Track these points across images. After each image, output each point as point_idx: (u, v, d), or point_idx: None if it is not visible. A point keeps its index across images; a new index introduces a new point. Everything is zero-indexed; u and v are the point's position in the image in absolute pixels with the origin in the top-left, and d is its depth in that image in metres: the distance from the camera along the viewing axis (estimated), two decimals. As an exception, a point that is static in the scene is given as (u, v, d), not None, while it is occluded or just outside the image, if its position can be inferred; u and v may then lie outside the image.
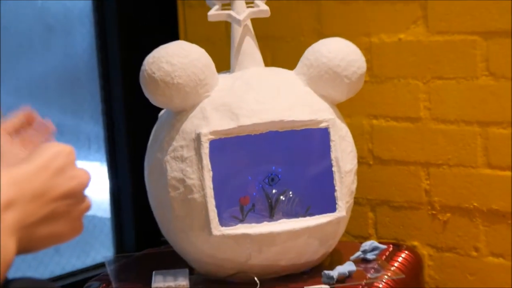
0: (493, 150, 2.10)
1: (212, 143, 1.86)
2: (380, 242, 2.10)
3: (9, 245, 0.86)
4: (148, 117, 2.12)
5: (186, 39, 2.52)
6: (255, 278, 1.88)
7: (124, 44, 2.62)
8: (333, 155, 1.91)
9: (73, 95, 2.75)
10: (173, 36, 2.57)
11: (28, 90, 2.70)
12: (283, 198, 1.96)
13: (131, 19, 2.63)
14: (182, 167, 1.88)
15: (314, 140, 1.97)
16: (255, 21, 2.05)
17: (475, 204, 2.14)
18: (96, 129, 2.69)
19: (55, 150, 0.96)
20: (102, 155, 2.71)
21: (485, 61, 2.09)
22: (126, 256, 2.35)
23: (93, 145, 2.73)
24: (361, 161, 2.12)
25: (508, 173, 2.09)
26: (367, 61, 2.04)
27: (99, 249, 2.64)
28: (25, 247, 0.90)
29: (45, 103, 2.75)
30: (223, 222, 1.88)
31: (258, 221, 1.91)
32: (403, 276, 1.95)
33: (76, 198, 0.97)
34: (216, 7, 2.03)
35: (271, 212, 1.95)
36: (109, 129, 2.67)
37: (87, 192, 1.01)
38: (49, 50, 2.73)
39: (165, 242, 2.07)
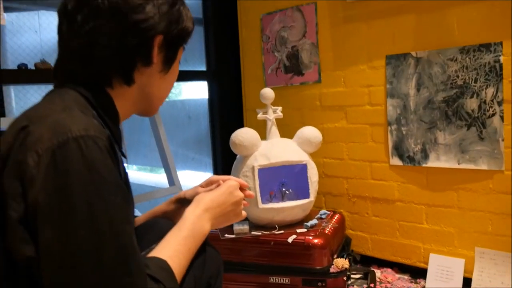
0: (375, 173, 2.10)
1: (259, 170, 1.89)
2: (327, 210, 2.14)
3: (207, 227, 0.94)
4: (231, 157, 2.10)
5: (247, 125, 2.56)
6: (276, 226, 1.91)
7: (222, 126, 2.63)
8: (308, 174, 1.95)
9: (199, 147, 2.74)
10: (241, 124, 2.59)
11: (182, 145, 2.79)
12: (288, 192, 1.96)
13: (224, 115, 2.64)
14: (246, 179, 1.90)
15: (300, 169, 1.96)
16: (277, 119, 2.07)
17: (367, 194, 2.15)
18: (209, 160, 2.68)
19: (229, 184, 1.02)
20: (211, 171, 2.70)
21: (370, 135, 2.10)
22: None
23: (207, 167, 2.71)
24: (319, 176, 2.09)
25: (383, 182, 2.09)
26: (322, 135, 2.05)
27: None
28: (212, 227, 0.97)
29: (188, 150, 2.83)
30: (263, 202, 1.89)
31: (277, 202, 1.92)
32: (337, 225, 1.98)
33: (237, 204, 1.02)
34: (261, 113, 2.05)
35: (283, 198, 1.94)
36: (214, 160, 2.66)
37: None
38: (189, 128, 2.80)
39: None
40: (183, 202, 1.17)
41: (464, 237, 1.87)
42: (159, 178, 3.19)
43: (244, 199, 1.07)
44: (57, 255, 0.67)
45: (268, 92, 2.03)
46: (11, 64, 1.96)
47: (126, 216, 0.74)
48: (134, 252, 0.73)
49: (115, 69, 0.85)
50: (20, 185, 0.69)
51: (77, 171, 0.68)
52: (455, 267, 1.86)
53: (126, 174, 0.85)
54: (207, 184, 1.14)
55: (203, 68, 2.63)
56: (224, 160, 2.61)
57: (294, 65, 2.36)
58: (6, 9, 1.74)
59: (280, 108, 2.09)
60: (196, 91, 2.86)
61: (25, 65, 1.79)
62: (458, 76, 1.83)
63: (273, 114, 2.06)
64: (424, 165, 1.95)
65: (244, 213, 1.07)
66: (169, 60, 0.93)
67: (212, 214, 0.98)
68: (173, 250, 0.86)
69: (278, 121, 2.09)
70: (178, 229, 0.91)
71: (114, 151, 0.76)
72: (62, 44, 0.87)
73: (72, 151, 0.68)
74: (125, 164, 0.89)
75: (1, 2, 1.66)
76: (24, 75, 1.78)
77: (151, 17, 0.85)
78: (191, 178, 2.88)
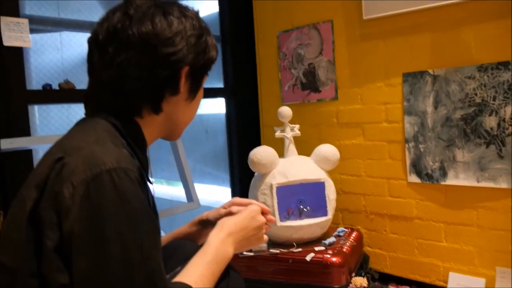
0: (393, 190, 2.10)
1: (277, 188, 1.91)
2: (344, 227, 2.15)
3: (230, 251, 0.95)
4: (248, 173, 2.11)
5: (264, 141, 2.59)
6: (294, 243, 1.92)
7: (239, 142, 2.63)
8: (326, 192, 1.96)
9: (217, 162, 2.76)
10: (258, 140, 2.61)
11: (200, 160, 2.81)
12: (305, 210, 1.96)
13: (241, 131, 2.64)
14: (265, 197, 1.93)
15: (318, 187, 1.97)
16: (295, 137, 2.09)
17: (385, 211, 2.15)
18: (226, 176, 2.69)
19: (251, 209, 1.04)
20: (229, 186, 2.70)
21: (388, 152, 2.11)
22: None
23: (225, 181, 2.72)
24: (336, 192, 2.09)
25: (399, 199, 2.09)
26: (340, 152, 2.05)
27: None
28: (235, 251, 0.97)
29: (205, 165, 2.85)
30: (281, 219, 1.90)
31: (295, 219, 1.92)
32: (355, 243, 1.98)
33: (259, 228, 1.04)
34: (279, 131, 2.08)
35: (300, 216, 1.95)
36: (232, 176, 2.67)
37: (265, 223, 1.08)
38: (206, 142, 2.82)
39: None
40: (205, 223, 1.20)
41: (484, 256, 1.86)
42: (175, 191, 3.21)
43: (265, 223, 1.08)
44: (90, 284, 0.70)
45: (285, 111, 2.05)
46: (35, 83, 2.01)
47: (155, 243, 0.77)
48: (161, 277, 0.76)
49: (145, 100, 0.88)
50: (55, 215, 0.72)
51: (110, 202, 0.71)
52: (475, 286, 1.85)
53: (153, 200, 0.88)
54: (229, 206, 1.16)
55: (221, 85, 2.66)
56: (241, 176, 2.61)
57: (310, 82, 2.38)
58: (31, 31, 1.79)
59: (297, 126, 2.10)
60: (213, 106, 2.88)
61: (50, 85, 1.84)
62: (476, 94, 1.83)
63: (291, 132, 2.07)
64: (442, 182, 1.94)
65: (266, 237, 1.08)
66: (194, 88, 0.96)
67: (235, 238, 0.99)
68: (198, 274, 0.87)
69: (295, 137, 2.11)
70: (202, 253, 0.92)
71: (144, 181, 0.79)
72: (93, 74, 0.90)
73: (105, 183, 0.71)
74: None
75: (28, 25, 1.71)
76: (49, 95, 1.83)
77: (180, 50, 0.87)
78: (209, 192, 2.89)
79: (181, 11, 0.91)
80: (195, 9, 0.97)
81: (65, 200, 0.71)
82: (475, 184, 1.85)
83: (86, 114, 0.93)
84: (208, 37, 0.95)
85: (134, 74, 0.85)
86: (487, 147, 1.82)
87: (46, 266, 0.72)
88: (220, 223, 1.01)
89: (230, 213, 1.12)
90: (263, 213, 1.09)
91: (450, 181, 1.92)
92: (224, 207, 1.17)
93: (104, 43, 0.87)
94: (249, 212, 1.05)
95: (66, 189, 0.71)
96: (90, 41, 0.91)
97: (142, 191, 0.76)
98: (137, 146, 0.89)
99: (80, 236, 0.70)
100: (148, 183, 0.90)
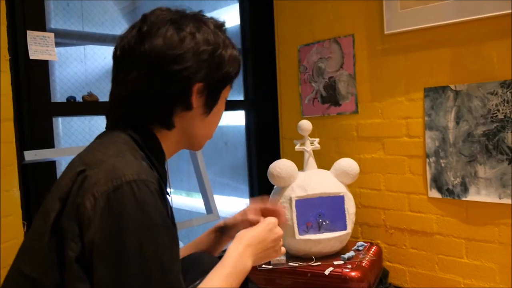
0: (413, 204, 2.09)
1: (297, 201, 1.91)
2: (364, 242, 2.13)
3: (248, 263, 0.95)
4: (268, 185, 2.10)
5: (283, 154, 2.59)
6: (313, 257, 1.92)
7: (259, 155, 2.64)
8: (345, 206, 1.95)
9: (236, 174, 2.77)
10: (278, 152, 2.62)
11: (219, 172, 2.82)
12: (324, 223, 1.94)
13: (260, 143, 2.64)
14: (284, 210, 1.98)
15: (337, 200, 1.96)
16: (314, 150, 2.09)
17: (405, 226, 2.13)
18: (245, 188, 2.70)
19: (268, 222, 1.04)
20: (248, 198, 2.71)
21: (408, 167, 2.10)
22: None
23: (244, 193, 2.72)
24: (356, 206, 2.08)
25: (419, 214, 2.07)
26: (359, 166, 2.05)
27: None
28: (253, 264, 0.97)
29: (224, 177, 2.85)
30: (300, 233, 1.90)
31: (314, 233, 1.92)
32: (374, 258, 1.97)
33: (277, 241, 1.04)
34: (298, 144, 2.08)
35: (319, 229, 1.94)
36: (251, 188, 2.67)
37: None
38: (226, 154, 2.82)
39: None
40: (223, 230, 1.23)
41: (506, 273, 1.83)
42: (194, 202, 3.22)
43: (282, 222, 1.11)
44: None
45: (305, 124, 2.06)
46: (59, 95, 2.05)
47: (174, 255, 0.79)
48: None
49: (155, 115, 0.90)
50: (77, 226, 0.75)
51: (130, 214, 0.73)
52: (497, 305, 1.82)
53: (171, 211, 0.89)
54: (253, 211, 1.19)
55: (241, 98, 2.68)
56: (260, 188, 2.62)
57: (331, 96, 2.38)
58: (56, 45, 1.83)
59: (317, 139, 2.11)
60: (233, 118, 2.90)
61: (74, 97, 1.88)
62: (498, 110, 1.82)
63: (311, 145, 2.08)
64: (464, 198, 1.92)
65: (283, 249, 1.09)
66: (211, 103, 0.96)
67: (254, 251, 0.99)
68: (216, 287, 0.88)
69: (315, 151, 2.12)
70: (221, 266, 0.93)
71: (163, 193, 0.81)
72: (112, 89, 0.93)
73: (126, 194, 0.73)
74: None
75: (53, 39, 1.76)
76: (73, 107, 1.87)
77: (190, 66, 0.88)
78: (228, 203, 2.90)
79: (196, 26, 0.90)
80: (221, 20, 0.98)
81: (87, 212, 0.74)
82: (497, 200, 1.83)
83: (106, 127, 0.95)
84: (224, 51, 0.94)
85: (145, 90, 0.87)
86: (509, 163, 1.80)
87: (68, 277, 0.75)
88: (238, 235, 1.02)
89: (246, 220, 1.15)
90: (278, 215, 1.11)
91: (472, 197, 1.90)
92: (241, 214, 1.21)
93: (119, 59, 0.90)
94: (267, 224, 1.05)
95: (87, 200, 0.74)
96: (112, 56, 0.94)
97: (161, 202, 0.78)
98: (156, 158, 0.91)
99: (101, 246, 0.72)
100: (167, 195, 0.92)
